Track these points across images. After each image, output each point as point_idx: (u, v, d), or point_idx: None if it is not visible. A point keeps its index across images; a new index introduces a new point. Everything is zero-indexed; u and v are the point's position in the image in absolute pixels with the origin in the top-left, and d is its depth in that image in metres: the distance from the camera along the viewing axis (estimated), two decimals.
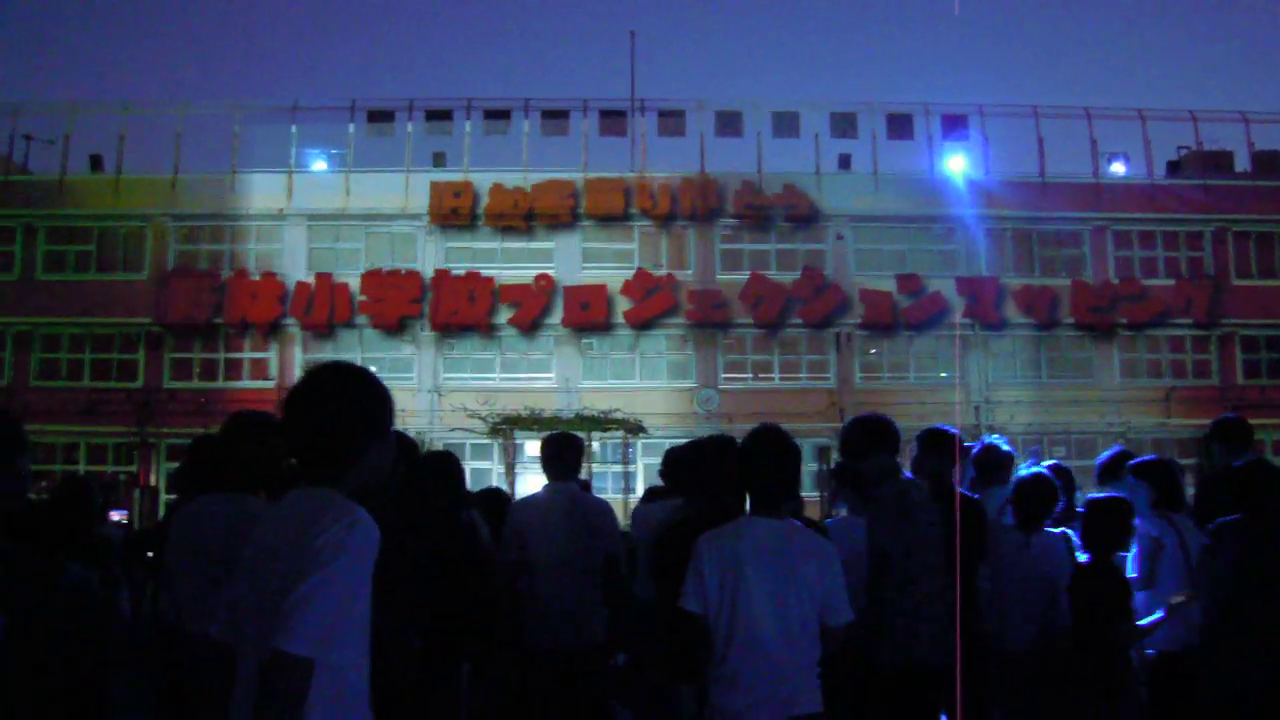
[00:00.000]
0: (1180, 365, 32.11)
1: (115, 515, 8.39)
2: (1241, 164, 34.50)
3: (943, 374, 31.79)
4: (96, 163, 32.26)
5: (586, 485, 10.64)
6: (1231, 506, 5.27)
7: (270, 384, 30.57)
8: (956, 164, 32.60)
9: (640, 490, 29.71)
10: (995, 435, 7.55)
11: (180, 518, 4.53)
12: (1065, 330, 31.57)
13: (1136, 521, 5.92)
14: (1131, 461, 6.72)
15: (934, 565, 4.98)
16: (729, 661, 3.78)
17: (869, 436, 5.39)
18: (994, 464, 6.73)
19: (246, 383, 30.76)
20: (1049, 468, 6.50)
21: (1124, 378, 31.74)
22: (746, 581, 3.81)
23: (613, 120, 31.30)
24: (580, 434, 27.82)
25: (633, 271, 30.76)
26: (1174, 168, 35.42)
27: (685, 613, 3.88)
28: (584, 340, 30.84)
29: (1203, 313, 31.62)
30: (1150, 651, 5.83)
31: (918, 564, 4.94)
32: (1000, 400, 30.75)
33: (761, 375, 31.06)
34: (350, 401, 2.86)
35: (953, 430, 5.99)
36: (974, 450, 6.88)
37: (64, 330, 31.29)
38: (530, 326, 30.43)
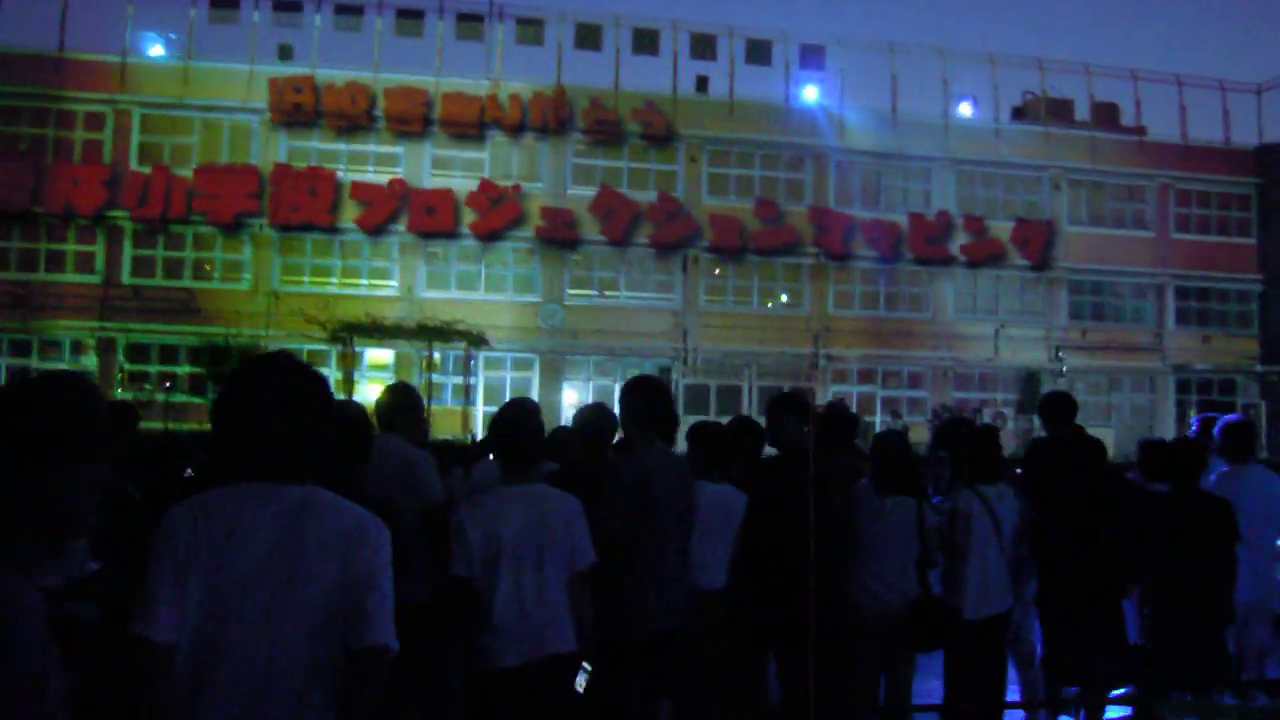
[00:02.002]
0: (1011, 304, 33.41)
1: None
2: (1082, 113, 35.82)
3: (785, 299, 32.38)
4: None
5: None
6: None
7: (96, 278, 29.19)
8: (811, 94, 32.93)
9: (481, 404, 29.73)
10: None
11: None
12: (906, 265, 32.44)
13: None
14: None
15: (665, 531, 5.04)
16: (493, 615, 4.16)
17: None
18: (840, 424, 6.77)
19: (70, 276, 29.27)
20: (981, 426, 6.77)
21: (957, 314, 32.89)
22: (503, 542, 4.16)
23: (470, 25, 30.45)
24: (421, 344, 27.58)
25: (481, 179, 30.22)
26: (1018, 113, 36.65)
27: (454, 577, 4.21)
28: (429, 249, 30.26)
29: (1036, 254, 32.90)
30: None
31: (650, 533, 4.97)
32: (839, 329, 31.59)
33: (607, 293, 31.08)
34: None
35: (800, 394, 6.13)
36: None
37: None
38: (375, 230, 29.67)
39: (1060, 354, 32.35)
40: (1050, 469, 6.50)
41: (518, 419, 4.52)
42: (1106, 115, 35.96)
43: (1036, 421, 28.81)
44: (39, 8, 29.37)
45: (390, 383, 6.84)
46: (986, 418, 30.71)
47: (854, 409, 31.88)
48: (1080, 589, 5.94)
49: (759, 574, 5.54)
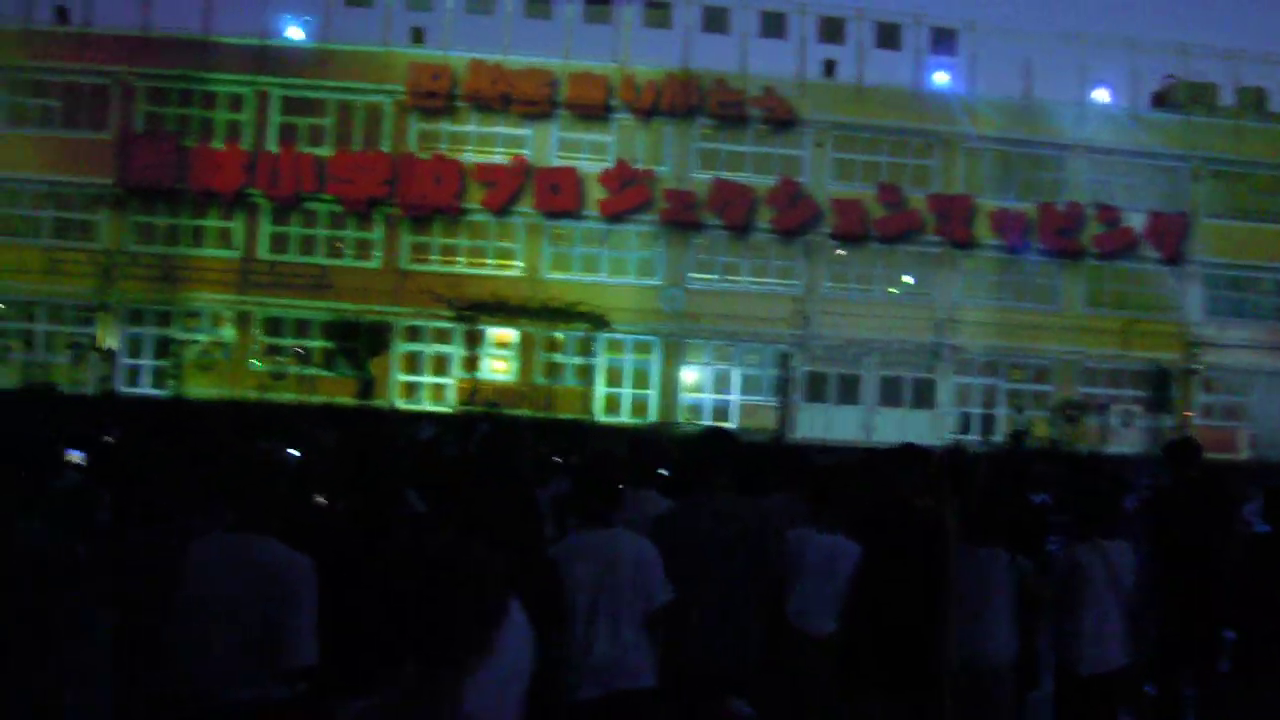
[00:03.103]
0: (1143, 298, 32.31)
1: (73, 455, 8.11)
2: (1226, 99, 34.30)
3: (909, 286, 31.87)
4: (62, 14, 31.20)
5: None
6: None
7: (235, 254, 30.30)
8: (942, 79, 32.26)
9: (601, 385, 30.04)
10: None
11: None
12: (1034, 254, 31.62)
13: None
14: None
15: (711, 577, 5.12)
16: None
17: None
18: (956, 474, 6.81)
19: (211, 250, 30.49)
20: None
21: (1086, 307, 31.94)
22: (577, 584, 4.43)
23: (598, 7, 30.56)
24: (544, 325, 28.13)
25: (607, 163, 30.42)
26: (1158, 99, 35.19)
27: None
28: (553, 229, 30.60)
29: (1172, 248, 31.75)
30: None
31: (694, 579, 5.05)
32: (963, 320, 30.95)
33: (729, 277, 31.01)
34: None
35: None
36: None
37: (25, 186, 30.65)
38: (500, 209, 30.12)
39: (1195, 350, 31.21)
40: (1173, 522, 6.35)
41: (598, 477, 4.80)
42: (1253, 101, 34.35)
43: (1166, 420, 28.00)
44: None
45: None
46: (1114, 418, 29.94)
47: (979, 401, 31.40)
48: (1198, 642, 5.84)
49: (870, 623, 5.54)
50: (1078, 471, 8.61)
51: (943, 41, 31.45)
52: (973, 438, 30.24)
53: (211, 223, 30.65)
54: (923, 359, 30.74)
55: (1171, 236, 31.82)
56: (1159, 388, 31.32)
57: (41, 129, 30.73)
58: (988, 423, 31.08)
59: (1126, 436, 29.64)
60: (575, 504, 5.00)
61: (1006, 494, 6.28)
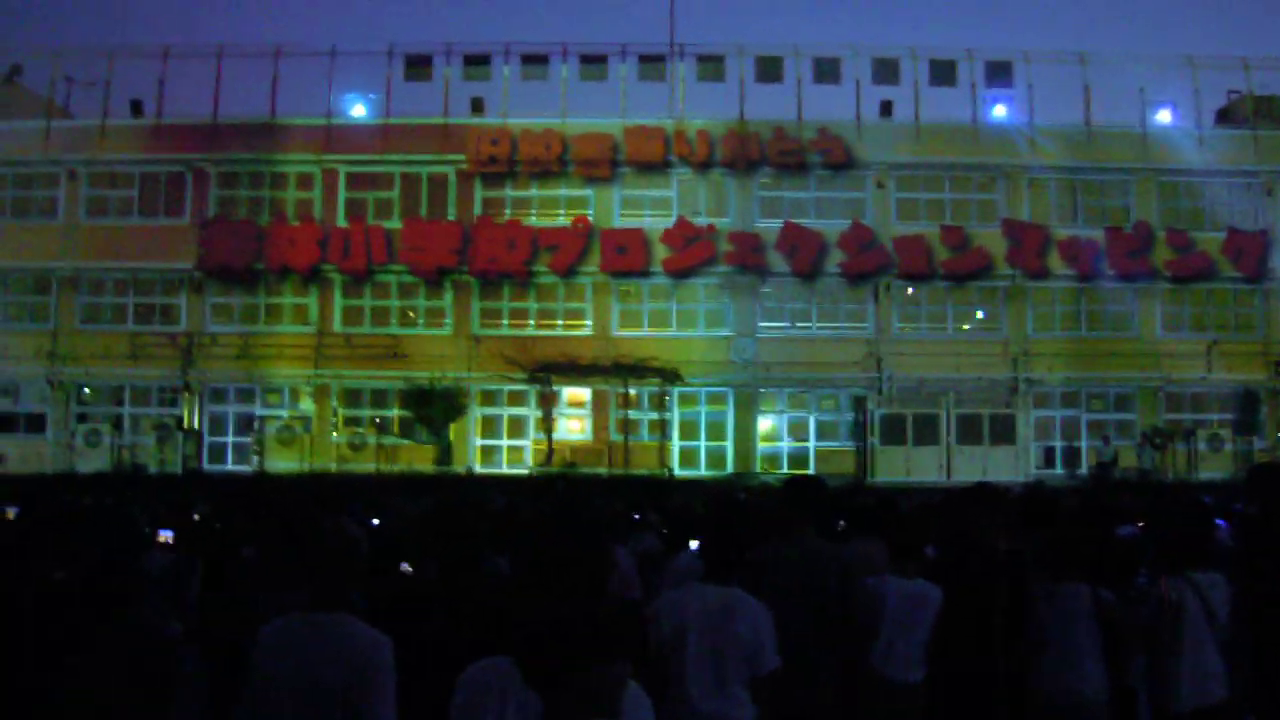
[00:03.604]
0: (1224, 319, 31.59)
1: (163, 535, 8.27)
2: None
3: (981, 322, 31.52)
4: (137, 107, 32.34)
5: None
6: None
7: (311, 329, 30.90)
8: (1000, 111, 32.06)
9: (676, 439, 30.02)
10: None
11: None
12: (1107, 281, 31.11)
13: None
14: None
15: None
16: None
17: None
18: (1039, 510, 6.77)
19: (287, 327, 31.16)
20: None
21: (1165, 331, 31.30)
22: (688, 637, 4.48)
23: (652, 66, 31.02)
24: (617, 382, 28.29)
25: (670, 219, 30.65)
26: (1223, 115, 34.56)
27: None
28: (620, 287, 30.83)
29: (1251, 266, 31.03)
30: None
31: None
32: (1039, 352, 30.52)
33: (799, 324, 30.94)
34: None
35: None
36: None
37: (108, 275, 31.68)
38: (567, 271, 30.45)
39: None
40: (1262, 552, 6.13)
41: (721, 532, 4.77)
42: None
43: (1255, 443, 27.24)
44: (252, 78, 31.48)
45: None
46: (1201, 442, 29.10)
47: (1058, 433, 30.82)
48: None
49: (955, 667, 5.48)
50: (1164, 502, 8.37)
51: (998, 74, 31.32)
52: (1057, 472, 29.77)
53: (287, 300, 31.38)
54: (1000, 394, 30.29)
55: (1250, 254, 31.10)
56: (1246, 409, 30.55)
57: (121, 219, 31.80)
58: (1071, 455, 30.46)
59: (1216, 462, 28.81)
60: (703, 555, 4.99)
61: (1089, 528, 6.15)
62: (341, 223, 30.96)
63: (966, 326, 31.50)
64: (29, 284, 32.13)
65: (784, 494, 5.78)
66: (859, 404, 29.91)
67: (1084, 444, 30.59)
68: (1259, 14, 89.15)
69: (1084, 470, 29.46)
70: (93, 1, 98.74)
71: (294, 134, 31.44)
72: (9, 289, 32.22)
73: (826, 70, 30.69)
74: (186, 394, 30.73)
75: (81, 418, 30.95)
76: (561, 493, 18.64)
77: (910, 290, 31.16)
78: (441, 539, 4.66)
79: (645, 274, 30.47)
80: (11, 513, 8.30)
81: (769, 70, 30.73)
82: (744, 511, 5.19)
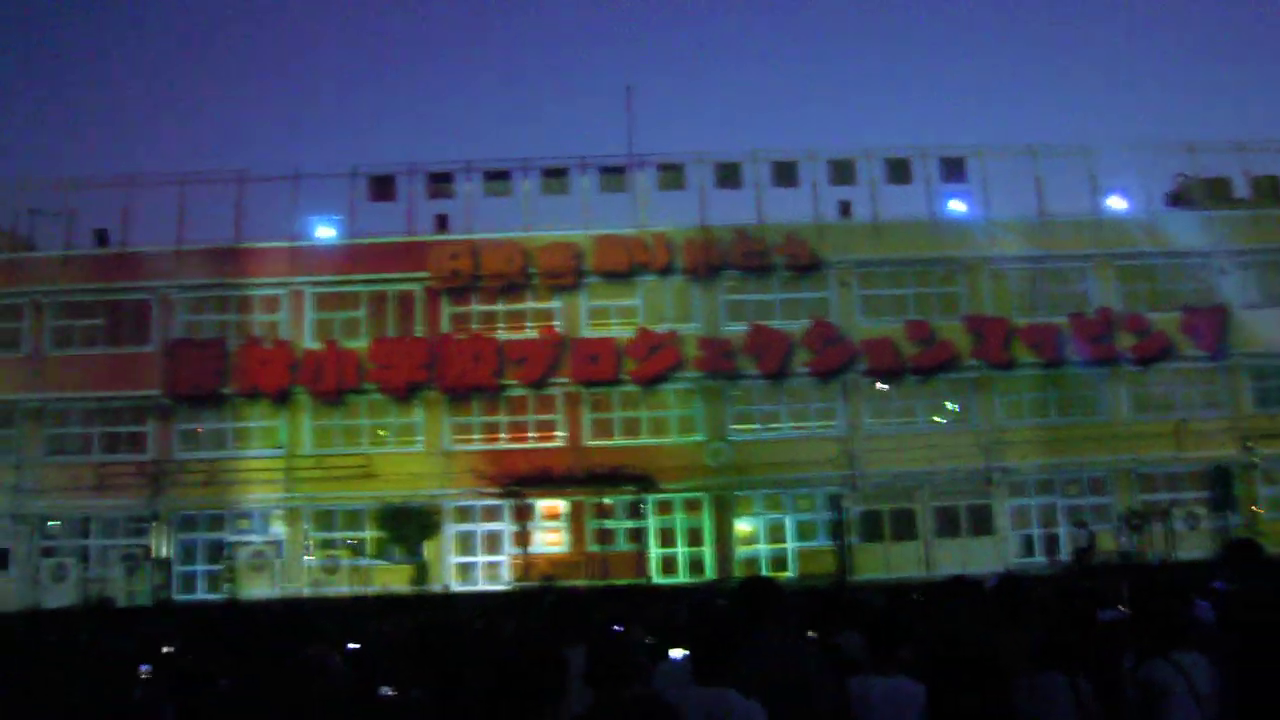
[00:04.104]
0: (1190, 398, 31.92)
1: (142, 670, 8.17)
2: (1240, 191, 34.50)
3: (952, 414, 31.68)
4: (102, 236, 32.44)
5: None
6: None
7: (280, 452, 30.60)
8: (957, 206, 32.70)
9: (655, 547, 29.77)
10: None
11: None
12: (1072, 367, 31.45)
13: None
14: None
15: None
16: None
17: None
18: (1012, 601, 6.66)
19: (257, 451, 30.83)
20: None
21: (1134, 413, 31.57)
22: None
23: (613, 176, 31.51)
24: (591, 492, 28.11)
25: (637, 325, 30.82)
26: (1173, 199, 35.45)
27: None
28: (590, 396, 30.81)
29: (1211, 343, 31.50)
30: None
31: None
32: (1011, 441, 30.68)
33: (770, 425, 31.01)
34: None
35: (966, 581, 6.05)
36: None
37: (74, 405, 31.39)
38: (538, 383, 30.45)
39: (1251, 445, 30.67)
40: (1246, 631, 6.08)
41: (708, 634, 4.78)
42: (1268, 190, 34.52)
43: (1231, 519, 27.32)
44: (217, 204, 31.77)
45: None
46: (1178, 521, 29.10)
47: (1035, 520, 30.81)
48: None
49: None
50: (1140, 585, 8.31)
51: (952, 170, 31.99)
52: (1037, 559, 29.73)
53: (255, 423, 31.13)
54: (976, 485, 30.36)
55: (1209, 333, 31.59)
56: (1220, 486, 30.66)
57: (87, 348, 31.63)
58: (1050, 542, 30.50)
59: (1194, 540, 28.86)
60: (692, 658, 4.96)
61: (1068, 616, 6.08)
62: (309, 344, 30.92)
63: (938, 419, 31.65)
64: None
65: (738, 596, 5.76)
66: (835, 502, 29.85)
67: (1062, 530, 30.61)
68: (1201, 99, 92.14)
69: (1064, 557, 29.42)
70: (55, 134, 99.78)
71: (260, 257, 31.57)
72: None
73: (785, 174, 31.29)
74: (155, 523, 30.25)
75: (47, 552, 30.40)
76: (551, 607, 18.34)
77: (879, 386, 31.32)
78: (425, 662, 4.64)
79: (615, 382, 30.51)
80: None
81: (729, 176, 31.28)
82: (725, 616, 5.16)
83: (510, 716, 3.86)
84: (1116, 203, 33.56)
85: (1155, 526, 29.49)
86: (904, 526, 29.95)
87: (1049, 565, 28.81)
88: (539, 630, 8.40)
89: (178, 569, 30.24)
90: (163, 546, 30.24)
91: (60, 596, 28.21)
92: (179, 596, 29.32)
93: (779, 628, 5.62)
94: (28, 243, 33.07)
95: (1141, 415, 31.51)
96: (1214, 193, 34.25)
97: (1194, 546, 28.04)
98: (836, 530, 29.64)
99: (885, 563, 28.70)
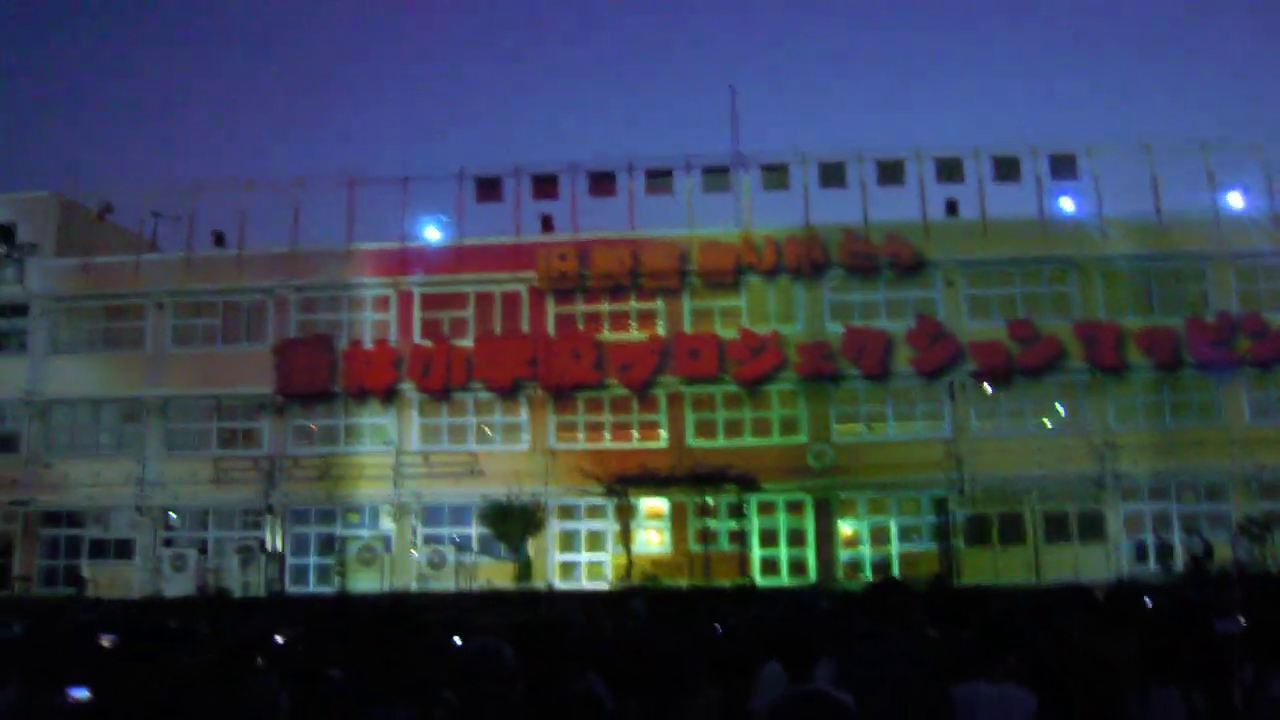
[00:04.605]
0: None
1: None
2: None
3: (1062, 417, 30.98)
4: (219, 238, 33.59)
5: None
6: None
7: (389, 449, 31.27)
8: (1067, 204, 31.95)
9: (756, 548, 29.71)
10: None
11: None
12: (1189, 370, 30.52)
13: None
14: None
15: None
16: None
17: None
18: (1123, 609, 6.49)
19: (367, 446, 31.59)
20: None
21: (1254, 418, 30.51)
22: None
23: (716, 176, 31.51)
24: (694, 492, 28.08)
25: (742, 326, 30.77)
26: None
27: None
28: (694, 396, 30.85)
29: None
30: None
31: None
32: (1124, 445, 29.85)
33: (875, 426, 30.71)
34: None
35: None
36: None
37: (193, 402, 32.52)
38: (641, 385, 30.60)
39: None
40: None
41: (801, 632, 4.75)
42: None
43: None
44: (329, 206, 32.62)
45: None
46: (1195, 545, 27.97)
47: (1149, 527, 29.97)
48: None
49: None
50: (1259, 595, 8.02)
51: (1062, 167, 31.28)
52: (1151, 568, 28.90)
53: (366, 420, 31.88)
54: (1086, 490, 29.65)
55: None
56: None
57: (205, 346, 32.76)
58: (1164, 550, 29.58)
59: None
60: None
61: (1183, 627, 5.91)
62: (418, 342, 31.53)
63: (1047, 422, 30.98)
64: (119, 413, 33.08)
65: (865, 598, 5.76)
66: (940, 505, 29.45)
67: (1176, 538, 29.71)
68: None
69: (1178, 565, 28.57)
70: (176, 140, 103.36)
71: (370, 258, 32.35)
72: (100, 419, 33.21)
73: (890, 172, 30.91)
74: (269, 516, 31.16)
75: (168, 542, 31.54)
76: (638, 612, 18.44)
77: (986, 388, 30.78)
78: (525, 659, 4.69)
79: (717, 380, 30.49)
80: (108, 640, 8.39)
81: (833, 175, 31.04)
82: (821, 619, 5.13)
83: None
84: (1235, 200, 32.37)
85: (1275, 535, 28.46)
86: (1012, 531, 29.37)
87: (1163, 574, 27.98)
88: (637, 631, 8.43)
89: (290, 561, 31.12)
90: (276, 539, 31.13)
91: (179, 586, 29.24)
92: (291, 588, 30.20)
93: (899, 628, 5.57)
94: (152, 245, 34.42)
95: (1261, 420, 30.46)
96: None
97: None
98: (942, 533, 29.25)
99: (993, 568, 28.13)
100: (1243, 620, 7.43)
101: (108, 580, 30.21)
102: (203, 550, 31.26)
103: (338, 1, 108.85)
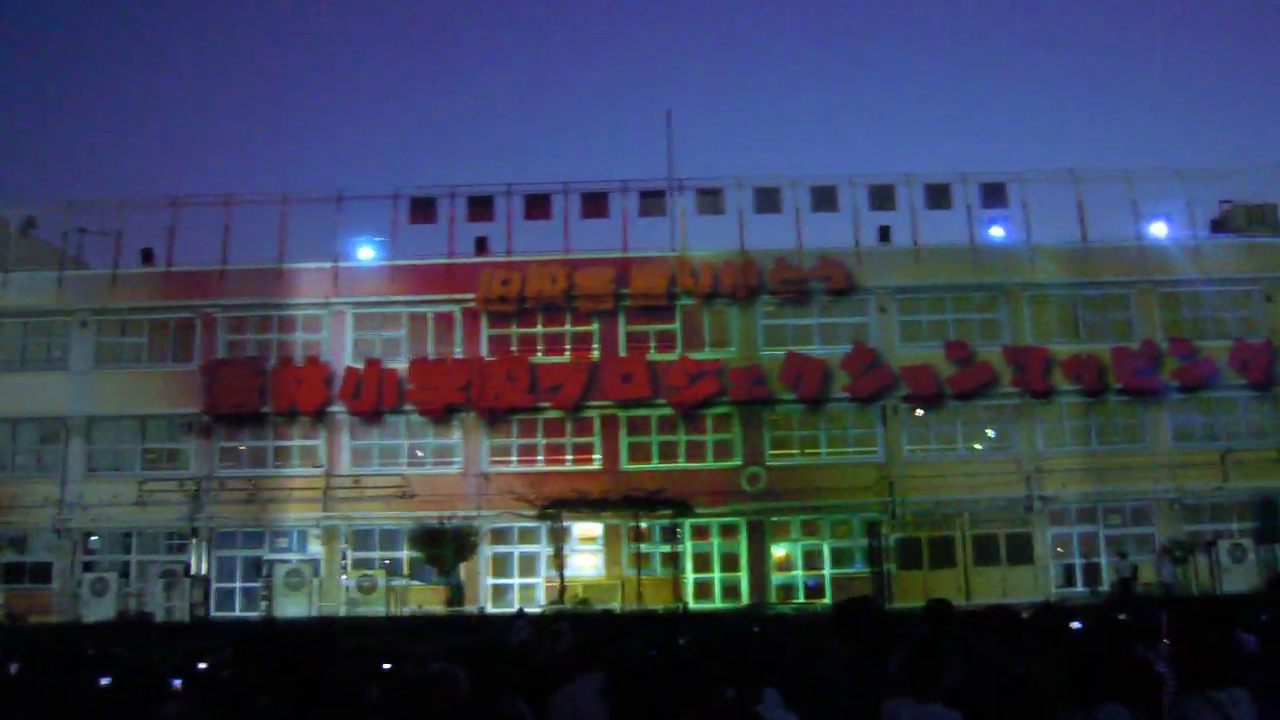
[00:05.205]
0: (1236, 426, 31.43)
1: (174, 683, 8.23)
2: None
3: (991, 441, 31.39)
4: (148, 256, 32.90)
5: None
6: None
7: (319, 471, 30.79)
8: (997, 232, 32.49)
9: (690, 571, 29.64)
10: None
11: None
12: (1115, 396, 31.08)
13: None
14: None
15: None
16: None
17: None
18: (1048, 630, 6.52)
19: (296, 469, 31.05)
20: None
21: (1177, 442, 31.12)
22: None
23: (652, 200, 31.58)
24: (627, 516, 28.03)
25: (676, 352, 30.79)
26: (1217, 225, 34.94)
27: None
28: (627, 418, 30.77)
29: (1259, 375, 31.00)
30: None
31: None
32: (1051, 469, 30.34)
33: (808, 450, 30.84)
34: None
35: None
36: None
37: (117, 422, 31.77)
38: (573, 406, 30.47)
39: None
40: None
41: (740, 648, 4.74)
42: None
43: (1278, 551, 26.72)
44: (261, 224, 32.14)
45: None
46: (1223, 553, 28.57)
47: (1076, 550, 30.42)
48: None
49: None
50: (1180, 619, 8.10)
51: (993, 195, 31.82)
52: (1079, 590, 29.33)
53: (295, 442, 31.37)
54: (1015, 513, 30.05)
55: (1257, 364, 31.13)
56: (1267, 517, 30.12)
57: (130, 365, 32.05)
58: (1091, 572, 30.08)
59: (1239, 573, 28.32)
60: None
61: (1108, 648, 5.91)
62: (350, 363, 31.13)
63: (977, 446, 31.38)
64: (38, 433, 32.20)
65: (831, 618, 5.77)
66: (873, 529, 29.63)
67: (1104, 560, 30.18)
68: (1245, 125, 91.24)
69: (1105, 587, 29.02)
70: (102, 155, 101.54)
71: (302, 278, 31.90)
72: (19, 439, 32.30)
73: (824, 199, 31.19)
74: (194, 539, 30.49)
75: (88, 566, 30.72)
76: (568, 634, 18.33)
77: (918, 412, 31.09)
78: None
79: (651, 404, 30.45)
80: (14, 667, 8.12)
81: (768, 201, 31.25)
82: (760, 644, 5.12)
83: None
84: (1159, 229, 33.15)
85: (1199, 558, 29.02)
86: (943, 554, 29.65)
87: (1090, 595, 28.42)
88: (566, 656, 8.39)
89: (215, 585, 30.44)
90: (201, 563, 30.46)
91: (100, 611, 28.53)
92: (216, 613, 29.55)
93: (861, 650, 5.58)
94: (77, 261, 33.62)
95: (1185, 444, 31.10)
96: (1259, 219, 33.83)
97: (1239, 579, 27.57)
98: (874, 557, 29.41)
99: (924, 590, 28.26)
100: (1166, 643, 7.50)
101: (24, 605, 29.33)
102: (125, 574, 30.46)
103: (277, 18, 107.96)
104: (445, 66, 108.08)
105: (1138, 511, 30.99)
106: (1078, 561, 30.41)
